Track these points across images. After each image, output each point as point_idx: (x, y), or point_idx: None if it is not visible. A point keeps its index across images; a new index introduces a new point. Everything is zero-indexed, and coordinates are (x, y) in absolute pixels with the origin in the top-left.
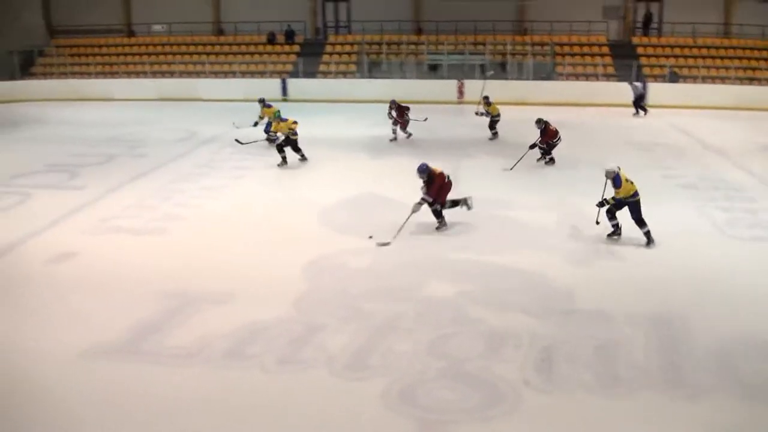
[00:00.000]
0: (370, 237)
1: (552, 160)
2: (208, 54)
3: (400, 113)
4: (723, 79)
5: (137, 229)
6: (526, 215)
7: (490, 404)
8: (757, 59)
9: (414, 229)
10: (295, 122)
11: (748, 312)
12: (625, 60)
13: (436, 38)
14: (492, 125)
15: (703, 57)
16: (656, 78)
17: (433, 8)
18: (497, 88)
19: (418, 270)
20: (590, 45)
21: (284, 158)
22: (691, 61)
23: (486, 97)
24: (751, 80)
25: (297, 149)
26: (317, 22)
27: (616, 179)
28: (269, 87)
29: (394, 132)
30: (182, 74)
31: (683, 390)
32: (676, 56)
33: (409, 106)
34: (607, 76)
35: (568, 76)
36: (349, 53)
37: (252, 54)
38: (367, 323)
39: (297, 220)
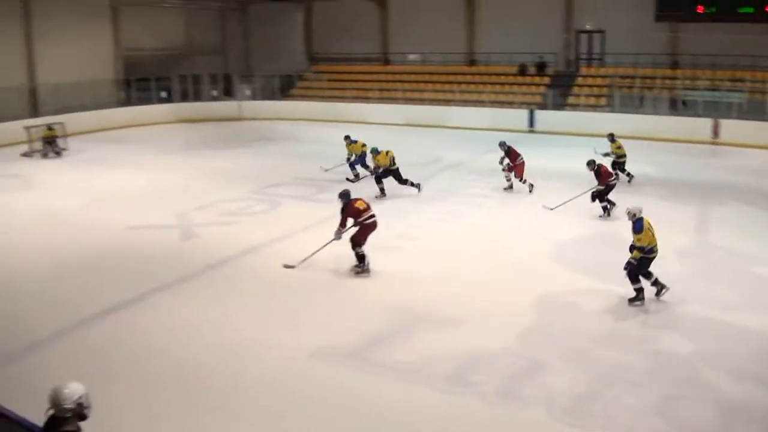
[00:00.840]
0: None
1: (608, 206)
2: (459, 83)
3: (512, 157)
4: None
5: (375, 245)
6: None
7: None
8: None
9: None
10: (387, 153)
11: None
12: None
13: (692, 73)
14: (619, 166)
15: None
16: None
17: (690, 42)
18: (756, 130)
19: (651, 320)
20: None
21: (382, 189)
22: None
23: (611, 135)
24: None
25: (402, 181)
26: (570, 54)
27: (636, 223)
28: (516, 117)
29: (509, 179)
30: (432, 102)
31: None
32: None
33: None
34: None
35: None
36: (600, 86)
37: (502, 84)
38: (593, 369)
39: (528, 252)
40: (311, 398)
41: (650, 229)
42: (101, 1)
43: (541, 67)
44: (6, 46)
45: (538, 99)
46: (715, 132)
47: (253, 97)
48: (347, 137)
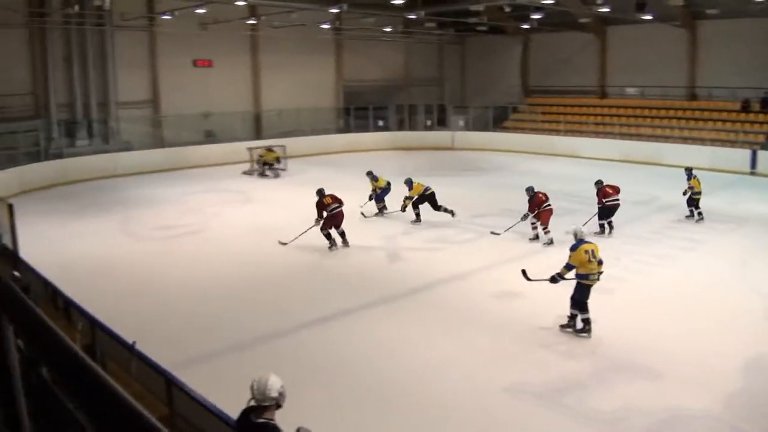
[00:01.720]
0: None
1: (604, 227)
2: (678, 119)
3: (533, 205)
4: None
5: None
6: None
7: None
8: None
9: None
10: (420, 184)
11: None
12: None
13: None
14: (693, 203)
15: None
16: None
17: None
18: None
19: None
20: None
21: (418, 215)
22: None
23: (689, 169)
24: None
25: (437, 207)
26: None
27: (575, 244)
28: (737, 157)
29: (535, 230)
30: (649, 137)
31: None
32: None
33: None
34: None
35: None
36: None
37: (723, 122)
38: None
39: (744, 305)
40: None
41: (592, 257)
42: (326, 36)
43: (765, 104)
44: (237, 76)
45: (761, 138)
46: None
47: (466, 128)
48: (370, 173)
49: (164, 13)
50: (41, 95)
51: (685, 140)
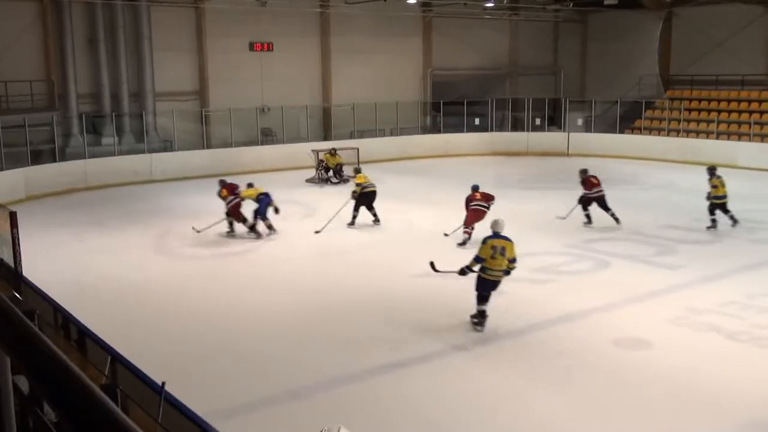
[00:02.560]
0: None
1: (588, 218)
2: None
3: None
4: None
5: (733, 331)
6: None
7: None
8: None
9: None
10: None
11: None
12: None
13: None
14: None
15: None
16: None
17: None
18: None
19: None
20: None
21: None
22: None
23: (710, 168)
24: None
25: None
26: None
27: (486, 237)
28: None
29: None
30: None
31: None
32: None
33: None
34: None
35: None
36: None
37: None
38: None
39: None
40: None
41: (498, 253)
42: (411, 14)
43: None
44: (302, 63)
45: None
46: None
47: (586, 128)
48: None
49: None
50: (58, 83)
51: None
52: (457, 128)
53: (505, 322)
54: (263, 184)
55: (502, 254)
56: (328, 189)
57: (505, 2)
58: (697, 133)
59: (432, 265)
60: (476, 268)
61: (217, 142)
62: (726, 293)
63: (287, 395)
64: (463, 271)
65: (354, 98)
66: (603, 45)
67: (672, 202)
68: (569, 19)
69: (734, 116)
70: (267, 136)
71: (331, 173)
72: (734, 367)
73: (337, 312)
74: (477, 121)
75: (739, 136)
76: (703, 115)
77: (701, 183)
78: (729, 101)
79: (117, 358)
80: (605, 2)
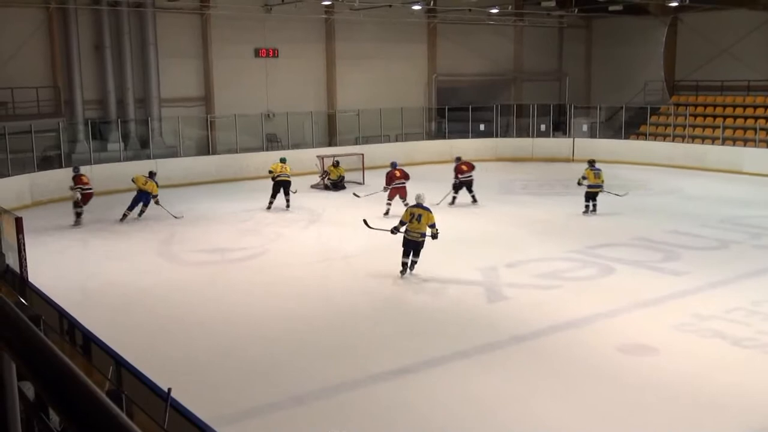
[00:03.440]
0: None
1: (455, 199)
2: None
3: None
4: None
5: (738, 338)
6: None
7: None
8: None
9: None
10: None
11: None
12: None
13: None
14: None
15: None
16: None
17: None
18: None
19: None
20: None
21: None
22: None
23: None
24: None
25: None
26: None
27: (410, 205)
28: None
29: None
30: None
31: None
32: None
33: None
34: None
35: None
36: None
37: None
38: None
39: None
40: None
41: (415, 219)
42: (416, 20)
43: None
44: (307, 69)
45: None
46: None
47: (591, 134)
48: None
49: None
50: (64, 89)
51: None
52: (462, 134)
53: (508, 328)
54: (268, 190)
55: (419, 221)
56: (333, 195)
57: (510, 8)
58: (703, 139)
59: (365, 222)
60: (403, 229)
61: (222, 147)
62: (731, 299)
63: (291, 401)
64: (392, 231)
65: (359, 104)
66: (608, 51)
67: (677, 207)
68: (574, 25)
69: (740, 122)
70: (272, 142)
71: (330, 183)
72: (739, 373)
73: (341, 317)
74: (482, 126)
75: (745, 142)
76: (709, 120)
77: (707, 189)
78: (734, 107)
79: (122, 364)
80: (610, 8)
